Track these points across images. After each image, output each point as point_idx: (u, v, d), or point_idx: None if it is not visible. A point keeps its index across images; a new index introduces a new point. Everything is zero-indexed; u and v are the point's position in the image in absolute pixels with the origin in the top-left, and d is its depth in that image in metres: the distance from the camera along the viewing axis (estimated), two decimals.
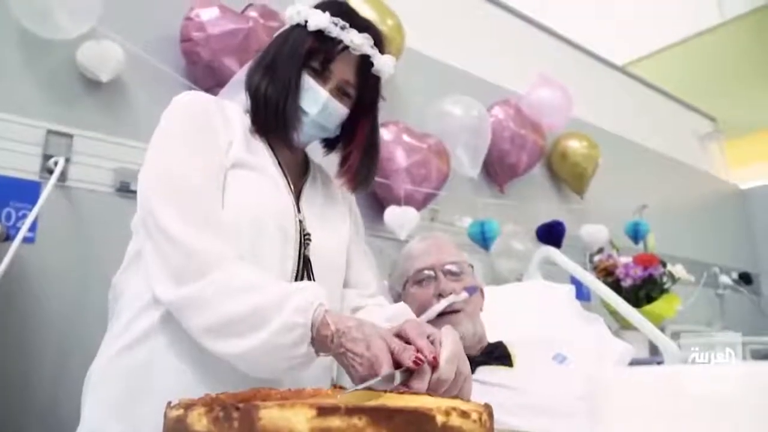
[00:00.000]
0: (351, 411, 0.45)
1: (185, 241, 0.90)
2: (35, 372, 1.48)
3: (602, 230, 2.90)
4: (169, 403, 0.54)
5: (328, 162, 1.25)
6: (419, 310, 1.41)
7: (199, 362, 0.93)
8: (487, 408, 0.52)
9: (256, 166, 1.06)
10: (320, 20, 1.05)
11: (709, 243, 4.04)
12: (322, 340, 0.85)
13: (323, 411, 0.45)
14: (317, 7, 1.08)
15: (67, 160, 1.59)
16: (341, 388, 0.76)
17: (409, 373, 0.76)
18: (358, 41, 1.06)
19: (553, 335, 1.50)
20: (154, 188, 0.97)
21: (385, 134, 2.19)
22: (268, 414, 0.45)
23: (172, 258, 0.91)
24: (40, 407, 1.47)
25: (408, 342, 0.81)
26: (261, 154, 1.09)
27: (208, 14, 1.78)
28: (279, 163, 1.11)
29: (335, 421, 0.45)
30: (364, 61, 1.10)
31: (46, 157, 1.57)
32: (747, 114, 4.52)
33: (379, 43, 1.11)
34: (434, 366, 0.77)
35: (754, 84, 4.50)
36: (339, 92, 1.10)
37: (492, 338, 1.45)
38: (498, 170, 2.71)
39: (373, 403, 0.46)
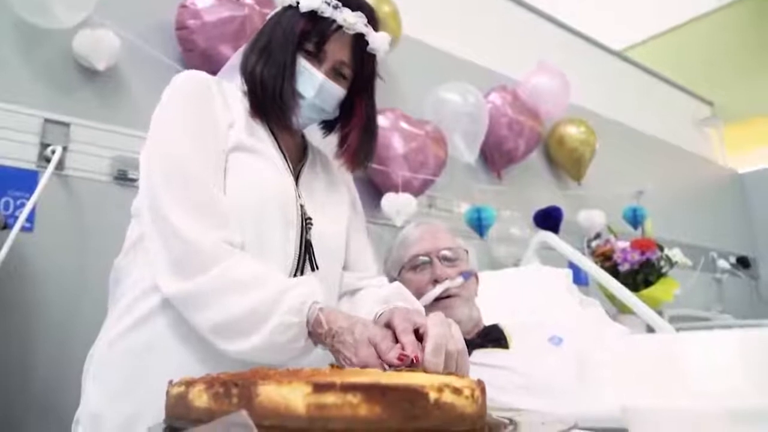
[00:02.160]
0: (346, 388, 0.46)
1: (187, 234, 0.91)
2: (35, 359, 1.49)
3: (599, 215, 2.91)
4: (171, 381, 0.55)
5: (325, 144, 1.25)
6: (415, 296, 1.42)
7: (199, 344, 0.94)
8: (480, 384, 0.53)
9: (257, 150, 1.06)
10: (312, 0, 1.04)
11: (707, 227, 4.05)
12: (317, 336, 0.87)
13: (319, 388, 0.46)
14: None
15: (65, 149, 1.59)
16: (339, 367, 0.78)
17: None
18: (351, 20, 1.05)
19: (549, 317, 1.51)
20: (156, 173, 0.98)
21: (382, 121, 2.19)
22: (266, 390, 0.46)
23: (174, 250, 0.92)
24: (40, 394, 1.48)
25: (396, 334, 0.83)
26: (261, 136, 1.09)
27: (203, 1, 1.77)
28: (279, 147, 1.11)
29: (330, 398, 0.46)
30: (359, 40, 1.08)
31: (44, 146, 1.57)
32: (745, 98, 4.52)
33: (373, 20, 1.10)
34: (417, 363, 0.78)
35: (751, 69, 4.50)
36: (335, 73, 1.09)
37: (489, 322, 1.46)
38: (495, 156, 2.71)
39: (367, 380, 0.47)
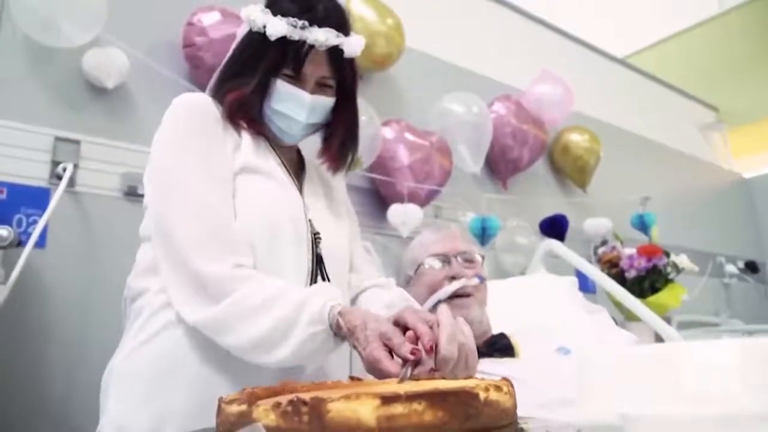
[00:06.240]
0: (411, 397, 0.49)
1: (200, 261, 0.93)
2: (48, 373, 1.51)
3: (604, 222, 2.91)
4: (222, 398, 0.57)
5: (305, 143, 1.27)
6: (429, 291, 1.44)
7: (217, 352, 0.96)
8: (508, 380, 0.58)
9: (264, 170, 1.07)
10: (279, 28, 1.02)
11: (714, 232, 4.03)
12: (341, 335, 0.89)
13: (386, 400, 0.48)
14: (270, 5, 1.05)
15: (76, 166, 1.61)
16: (358, 379, 0.80)
17: (416, 363, 0.80)
18: (321, 37, 1.03)
19: (556, 327, 1.52)
20: (163, 199, 1.00)
21: (387, 132, 2.21)
22: (336, 407, 0.48)
23: (188, 277, 0.94)
24: (53, 410, 1.50)
25: (407, 328, 0.85)
26: (266, 155, 1.10)
27: (209, 18, 1.80)
28: (283, 163, 1.13)
29: (398, 408, 0.48)
30: (334, 51, 1.06)
31: (55, 164, 1.59)
32: (749, 103, 4.51)
33: (343, 26, 1.07)
34: (432, 352, 0.81)
35: (755, 73, 4.49)
36: (319, 87, 1.09)
37: (495, 331, 1.47)
38: (500, 166, 2.72)
39: (427, 388, 0.50)
